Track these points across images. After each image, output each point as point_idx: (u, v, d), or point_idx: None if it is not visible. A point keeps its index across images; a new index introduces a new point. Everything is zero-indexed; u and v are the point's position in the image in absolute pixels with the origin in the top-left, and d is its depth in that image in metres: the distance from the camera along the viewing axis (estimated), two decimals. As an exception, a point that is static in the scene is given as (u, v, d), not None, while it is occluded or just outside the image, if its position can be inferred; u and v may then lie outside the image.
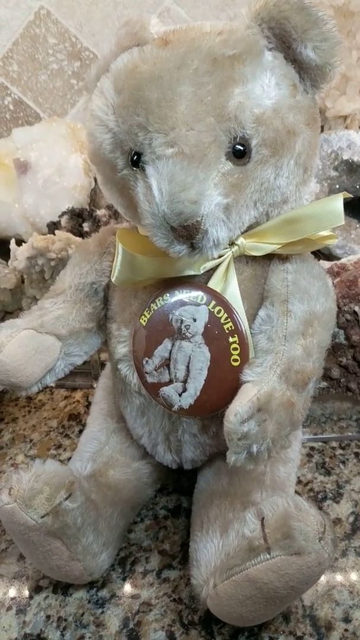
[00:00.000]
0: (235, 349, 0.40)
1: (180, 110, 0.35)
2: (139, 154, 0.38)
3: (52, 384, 0.70)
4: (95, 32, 0.88)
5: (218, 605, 0.38)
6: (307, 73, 0.38)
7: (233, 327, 0.40)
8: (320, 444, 0.59)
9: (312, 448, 0.58)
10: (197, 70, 0.35)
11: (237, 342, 0.40)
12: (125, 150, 0.39)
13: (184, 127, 0.35)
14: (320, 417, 0.62)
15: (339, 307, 0.57)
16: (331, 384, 0.60)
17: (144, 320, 0.41)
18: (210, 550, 0.41)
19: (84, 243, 0.50)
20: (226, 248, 0.40)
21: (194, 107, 0.35)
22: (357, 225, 0.72)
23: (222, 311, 0.40)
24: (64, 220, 0.75)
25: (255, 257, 0.42)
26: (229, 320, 0.40)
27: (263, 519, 0.36)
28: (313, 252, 0.45)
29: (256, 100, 0.36)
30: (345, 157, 0.71)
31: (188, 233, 0.35)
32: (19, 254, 0.64)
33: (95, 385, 0.68)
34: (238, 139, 0.36)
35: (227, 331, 0.40)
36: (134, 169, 0.38)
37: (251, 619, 0.38)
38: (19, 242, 0.68)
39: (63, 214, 0.76)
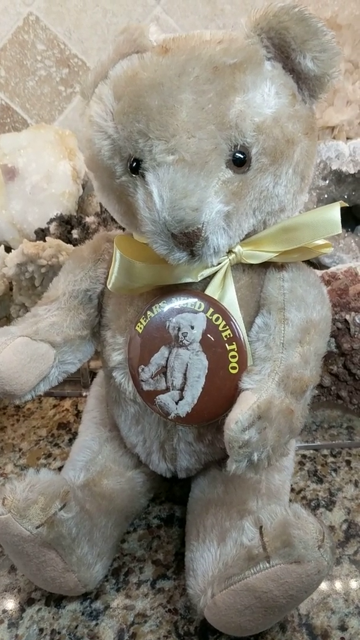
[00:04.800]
0: (233, 356, 0.40)
1: (181, 117, 0.35)
2: (138, 161, 0.38)
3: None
4: (84, 39, 0.88)
5: (216, 615, 0.38)
6: (305, 83, 0.38)
7: (231, 335, 0.40)
8: (311, 451, 0.59)
9: (303, 456, 0.59)
10: (198, 78, 0.36)
11: (236, 349, 0.40)
12: (124, 156, 0.39)
13: (184, 135, 0.35)
14: (311, 425, 0.62)
15: (329, 316, 0.58)
16: (322, 391, 0.61)
17: (140, 328, 0.41)
18: (207, 559, 0.40)
19: (78, 250, 0.49)
20: (224, 256, 0.40)
21: (195, 114, 0.35)
22: (346, 235, 0.73)
23: (220, 319, 0.40)
24: (52, 227, 0.74)
25: (251, 265, 0.42)
26: (227, 327, 0.40)
27: (261, 527, 0.36)
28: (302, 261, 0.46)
29: (256, 108, 0.37)
30: (334, 167, 0.72)
31: (189, 240, 0.35)
32: (9, 261, 0.63)
33: (84, 394, 0.67)
34: (239, 147, 0.37)
35: (225, 339, 0.40)
36: (133, 175, 0.38)
37: (249, 629, 0.38)
38: (7, 249, 0.67)
39: (51, 220, 0.75)
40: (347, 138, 0.78)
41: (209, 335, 0.40)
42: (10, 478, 0.57)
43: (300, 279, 0.43)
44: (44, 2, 0.86)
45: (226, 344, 0.40)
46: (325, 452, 0.59)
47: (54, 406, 0.68)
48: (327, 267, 0.70)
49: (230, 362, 0.40)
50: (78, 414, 0.65)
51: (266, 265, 0.43)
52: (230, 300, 0.41)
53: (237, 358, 0.40)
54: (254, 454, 0.35)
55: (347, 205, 0.77)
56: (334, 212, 0.40)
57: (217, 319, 0.40)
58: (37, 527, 0.39)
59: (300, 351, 0.40)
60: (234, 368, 0.40)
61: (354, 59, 0.80)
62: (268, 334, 0.41)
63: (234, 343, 0.40)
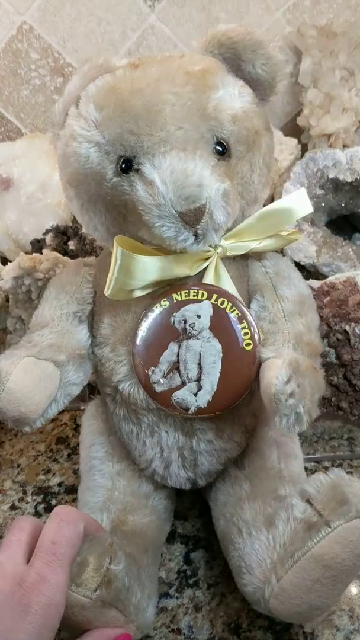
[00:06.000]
0: (246, 333, 0.41)
1: (167, 112, 0.39)
2: (129, 160, 0.40)
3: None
4: (78, 48, 0.88)
5: (285, 601, 0.37)
6: (256, 88, 0.43)
7: (240, 314, 0.42)
8: (312, 464, 0.59)
9: (305, 468, 0.58)
10: (174, 81, 0.40)
11: (247, 326, 0.41)
12: (113, 159, 0.40)
13: (173, 127, 0.39)
14: (312, 437, 0.61)
15: (329, 327, 0.58)
16: (322, 402, 0.60)
17: (144, 331, 0.42)
18: (260, 548, 0.39)
19: (56, 278, 0.50)
20: (210, 250, 0.42)
21: (179, 110, 0.39)
22: (343, 244, 0.73)
23: (226, 301, 0.42)
24: (48, 238, 0.73)
25: (234, 259, 0.44)
26: (235, 308, 0.42)
27: (308, 499, 0.37)
28: (300, 268, 0.50)
29: (228, 104, 0.41)
30: (331, 176, 0.72)
31: (195, 217, 0.37)
32: (5, 274, 0.62)
33: (82, 407, 0.66)
34: (219, 138, 0.41)
35: (235, 318, 0.41)
36: (124, 175, 0.40)
37: (319, 606, 0.37)
38: (3, 260, 0.66)
39: (47, 231, 0.75)
40: (344, 146, 0.78)
41: (218, 320, 0.41)
42: (9, 494, 0.57)
43: (281, 263, 0.46)
44: (37, 11, 0.85)
45: (237, 323, 0.42)
46: (327, 464, 0.59)
47: (52, 420, 0.67)
48: (326, 277, 0.70)
49: (244, 339, 0.41)
50: (76, 428, 0.65)
51: (246, 258, 0.46)
52: (229, 287, 0.43)
53: (249, 335, 0.41)
54: (299, 406, 0.37)
55: (342, 215, 0.78)
56: (302, 194, 0.44)
57: (222, 302, 0.42)
58: (95, 591, 0.36)
59: (302, 321, 0.43)
60: (248, 345, 0.41)
61: (349, 66, 0.80)
62: (268, 313, 0.43)
63: (244, 321, 0.42)
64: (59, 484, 0.58)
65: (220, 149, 0.41)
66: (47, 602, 0.32)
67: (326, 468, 0.58)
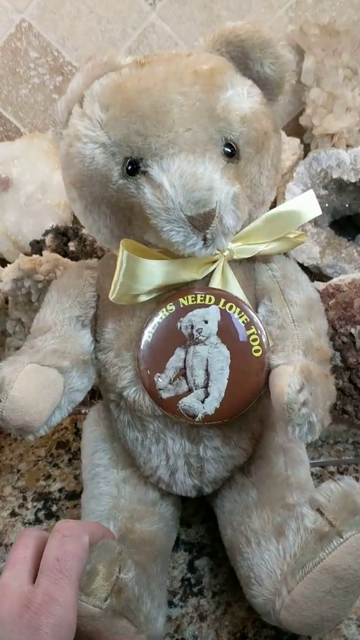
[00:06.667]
0: (254, 340, 0.41)
1: (175, 113, 0.38)
2: (135, 162, 0.39)
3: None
4: (78, 46, 0.87)
5: (296, 613, 0.36)
6: (264, 88, 0.42)
7: (249, 320, 0.41)
8: (317, 468, 0.58)
9: (310, 473, 0.57)
10: (182, 81, 0.39)
11: (255, 332, 0.41)
12: (119, 161, 0.39)
13: (181, 128, 0.38)
14: (317, 441, 0.60)
15: (334, 329, 0.57)
16: (327, 406, 0.59)
17: (150, 336, 0.41)
18: (270, 559, 0.39)
19: (57, 281, 0.49)
20: (217, 253, 0.41)
21: (187, 110, 0.38)
22: (347, 244, 0.72)
23: (234, 306, 0.41)
24: (48, 239, 0.73)
25: (241, 262, 0.44)
26: (243, 313, 0.41)
27: (318, 508, 0.36)
28: (303, 270, 0.48)
29: (237, 104, 0.40)
30: (334, 176, 0.71)
31: (205, 221, 0.36)
32: (4, 276, 0.61)
33: (83, 411, 0.65)
34: (228, 139, 0.40)
35: (243, 324, 0.41)
36: (130, 177, 0.39)
37: (330, 618, 0.37)
38: (2, 261, 0.65)
39: (47, 232, 0.74)
40: (347, 146, 0.77)
41: (225, 325, 0.41)
42: (9, 500, 0.56)
43: (288, 267, 0.46)
44: (36, 9, 0.84)
45: (246, 329, 0.41)
46: (332, 469, 0.58)
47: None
48: (330, 278, 0.69)
49: (253, 345, 0.41)
50: (77, 433, 0.64)
51: (253, 261, 0.45)
52: (237, 291, 0.42)
53: (258, 341, 0.41)
54: (312, 415, 0.36)
55: (345, 216, 0.77)
56: (310, 196, 0.44)
57: (230, 307, 0.41)
58: (105, 600, 0.35)
59: (312, 326, 0.43)
60: (257, 351, 0.41)
61: (352, 65, 0.79)
62: (276, 318, 0.43)
63: (252, 327, 0.41)
64: (60, 490, 0.57)
65: (229, 150, 0.40)
66: (57, 622, 0.31)
67: (331, 473, 0.57)
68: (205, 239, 0.37)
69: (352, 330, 0.57)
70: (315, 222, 0.73)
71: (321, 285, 0.60)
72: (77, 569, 0.34)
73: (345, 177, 0.71)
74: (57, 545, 0.34)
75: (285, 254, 0.47)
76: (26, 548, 0.35)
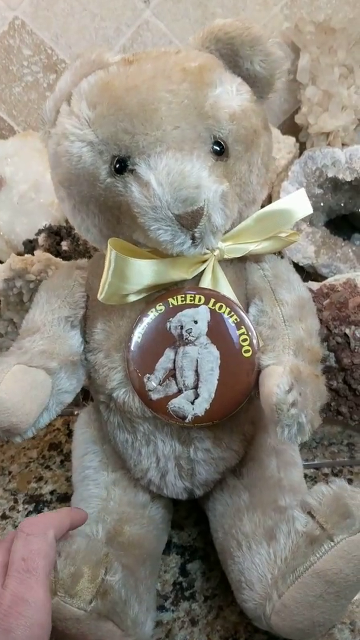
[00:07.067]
0: (245, 340, 0.40)
1: (163, 111, 0.38)
2: (123, 160, 0.39)
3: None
4: (71, 44, 0.86)
5: (286, 618, 0.36)
6: (254, 85, 0.42)
7: (239, 320, 0.40)
8: (312, 470, 0.57)
9: (304, 475, 0.57)
10: (170, 78, 0.38)
11: (246, 332, 0.40)
12: (106, 159, 0.39)
13: (169, 126, 0.38)
14: (311, 443, 0.60)
15: (329, 330, 0.56)
16: (321, 408, 0.59)
17: (139, 337, 0.41)
18: (260, 563, 0.38)
19: (47, 282, 0.48)
20: (207, 253, 0.41)
21: (175, 107, 0.38)
22: (343, 244, 0.71)
23: (224, 306, 0.40)
24: (41, 239, 0.72)
25: (232, 261, 0.43)
26: (233, 313, 0.40)
27: (309, 511, 0.36)
28: (298, 269, 0.49)
29: (226, 102, 0.40)
30: (330, 175, 0.70)
31: (192, 220, 0.36)
32: (-4, 276, 0.61)
33: (76, 412, 0.65)
34: (217, 137, 0.40)
35: (233, 324, 0.40)
36: (118, 175, 0.39)
37: (322, 623, 0.36)
38: (-6, 262, 0.65)
39: (40, 231, 0.73)
40: (343, 144, 0.77)
41: (215, 325, 0.40)
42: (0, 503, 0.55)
43: (280, 266, 0.45)
44: (29, 6, 0.84)
45: (236, 329, 0.40)
46: (326, 470, 0.57)
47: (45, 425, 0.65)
48: (325, 278, 0.69)
49: (243, 345, 0.40)
50: (69, 434, 0.63)
51: (244, 261, 0.44)
52: (227, 291, 0.42)
53: (248, 341, 0.40)
54: (301, 415, 0.35)
55: (341, 215, 0.76)
56: (301, 195, 0.43)
57: (220, 307, 0.40)
58: (90, 602, 0.35)
59: (303, 326, 0.42)
60: (247, 351, 0.40)
61: (348, 63, 0.79)
62: (267, 318, 0.42)
63: (242, 327, 0.40)
64: (52, 492, 0.56)
65: (218, 148, 0.40)
66: (29, 623, 0.31)
67: (326, 475, 0.57)
68: (193, 238, 0.37)
69: (347, 331, 0.56)
70: (311, 221, 0.73)
71: (315, 285, 0.60)
72: (44, 567, 0.33)
73: (340, 176, 0.70)
74: (22, 545, 0.34)
75: (279, 253, 0.47)
76: None
